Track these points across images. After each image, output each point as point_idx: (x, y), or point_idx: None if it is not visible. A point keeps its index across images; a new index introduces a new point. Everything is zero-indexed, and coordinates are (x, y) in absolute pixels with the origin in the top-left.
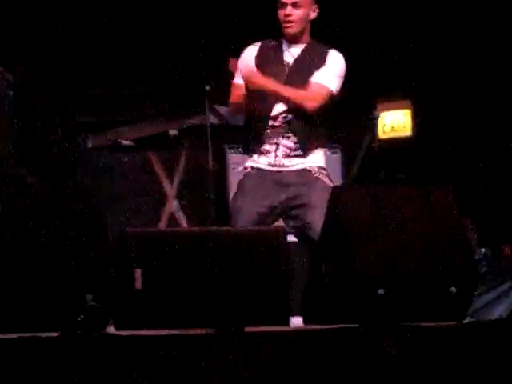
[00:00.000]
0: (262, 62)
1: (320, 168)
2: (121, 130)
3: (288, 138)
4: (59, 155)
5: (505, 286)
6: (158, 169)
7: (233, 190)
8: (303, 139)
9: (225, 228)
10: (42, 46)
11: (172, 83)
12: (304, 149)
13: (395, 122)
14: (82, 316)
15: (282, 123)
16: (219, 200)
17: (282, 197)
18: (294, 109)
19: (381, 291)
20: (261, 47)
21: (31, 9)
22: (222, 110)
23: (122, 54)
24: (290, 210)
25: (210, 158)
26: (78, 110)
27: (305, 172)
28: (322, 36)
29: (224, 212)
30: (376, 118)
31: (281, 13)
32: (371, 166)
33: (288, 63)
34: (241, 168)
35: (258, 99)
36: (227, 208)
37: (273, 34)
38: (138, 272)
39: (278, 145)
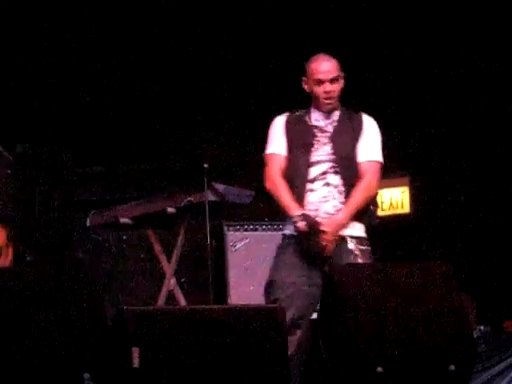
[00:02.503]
0: (290, 130)
1: None
2: (119, 208)
3: None
4: (58, 233)
5: (505, 364)
6: (157, 246)
7: (231, 267)
8: None
9: (223, 306)
10: (42, 126)
11: (170, 161)
12: None
13: (393, 199)
14: None
15: None
16: (217, 277)
17: None
18: None
19: (379, 369)
20: (288, 117)
21: (29, 88)
22: (220, 187)
23: (121, 133)
24: None
25: (209, 236)
26: (77, 189)
27: None
28: None
29: (222, 289)
30: None
31: (319, 90)
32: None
33: (322, 131)
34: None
35: None
36: (225, 285)
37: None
38: (136, 351)
39: None
